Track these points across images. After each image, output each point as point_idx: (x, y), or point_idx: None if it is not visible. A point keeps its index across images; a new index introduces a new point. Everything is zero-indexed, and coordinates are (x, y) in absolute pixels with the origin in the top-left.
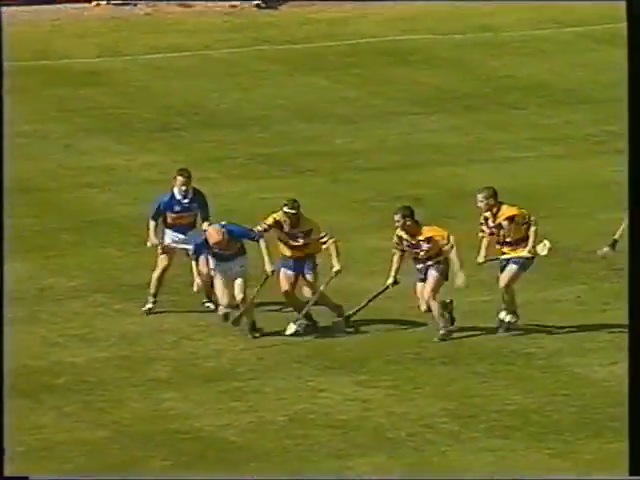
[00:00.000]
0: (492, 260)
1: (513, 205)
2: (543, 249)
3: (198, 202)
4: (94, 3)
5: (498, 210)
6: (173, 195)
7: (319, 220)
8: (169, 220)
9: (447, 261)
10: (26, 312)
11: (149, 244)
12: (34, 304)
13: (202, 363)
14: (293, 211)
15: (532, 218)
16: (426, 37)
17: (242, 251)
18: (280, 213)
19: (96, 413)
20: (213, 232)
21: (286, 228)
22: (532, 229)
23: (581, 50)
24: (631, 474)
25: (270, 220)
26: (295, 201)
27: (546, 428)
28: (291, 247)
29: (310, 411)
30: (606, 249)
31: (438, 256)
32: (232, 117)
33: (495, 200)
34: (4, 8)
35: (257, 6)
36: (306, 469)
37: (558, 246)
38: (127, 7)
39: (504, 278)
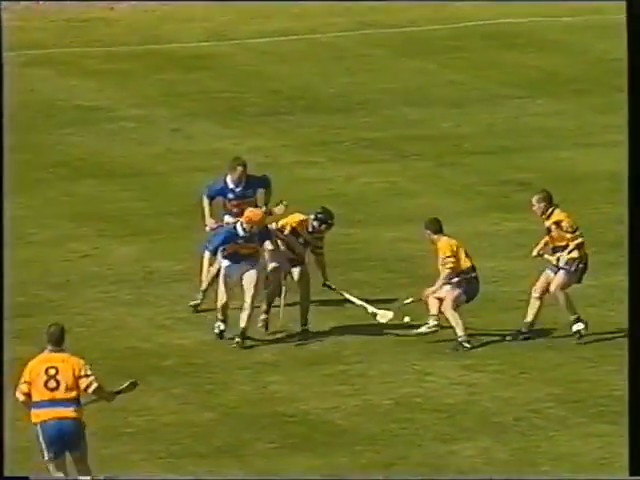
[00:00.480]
0: (541, 256)
1: (564, 212)
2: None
3: (253, 188)
4: None
5: (551, 213)
6: (226, 183)
7: (425, 203)
8: (228, 207)
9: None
10: (134, 295)
11: (208, 228)
12: (142, 286)
13: (307, 346)
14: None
15: (578, 232)
16: (533, 20)
17: (257, 255)
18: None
19: (203, 395)
20: (255, 212)
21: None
22: (575, 241)
23: None
24: (631, 474)
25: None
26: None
27: None
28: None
29: (416, 395)
30: None
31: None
32: (338, 101)
33: (548, 203)
34: None
35: None
36: (412, 453)
37: None
38: None
39: (552, 285)
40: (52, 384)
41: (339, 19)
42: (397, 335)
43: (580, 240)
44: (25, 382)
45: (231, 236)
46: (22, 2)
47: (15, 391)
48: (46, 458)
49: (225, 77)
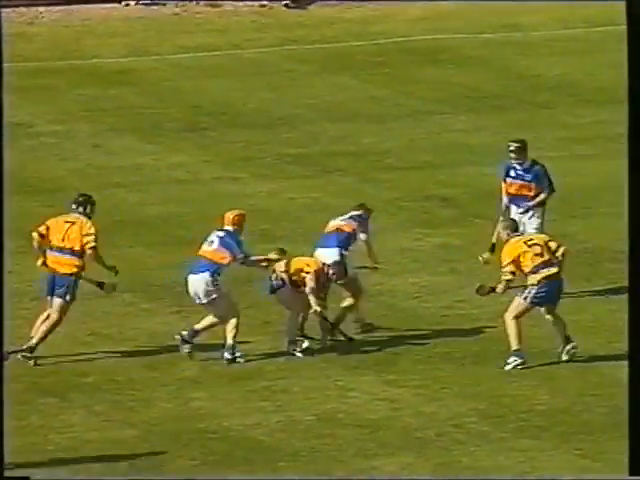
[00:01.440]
0: None
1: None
2: None
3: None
4: (123, 3)
5: None
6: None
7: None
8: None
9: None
10: None
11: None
12: None
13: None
14: None
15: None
16: (454, 36)
17: None
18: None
19: (125, 412)
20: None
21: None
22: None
23: (611, 50)
24: (631, 474)
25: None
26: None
27: (575, 428)
28: None
29: (338, 410)
30: (486, 255)
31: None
32: (261, 117)
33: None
34: (29, 9)
35: (286, 6)
36: (334, 469)
37: (587, 245)
38: (156, 7)
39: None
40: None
41: (262, 34)
42: (320, 351)
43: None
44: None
45: None
46: None
47: None
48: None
49: (147, 92)
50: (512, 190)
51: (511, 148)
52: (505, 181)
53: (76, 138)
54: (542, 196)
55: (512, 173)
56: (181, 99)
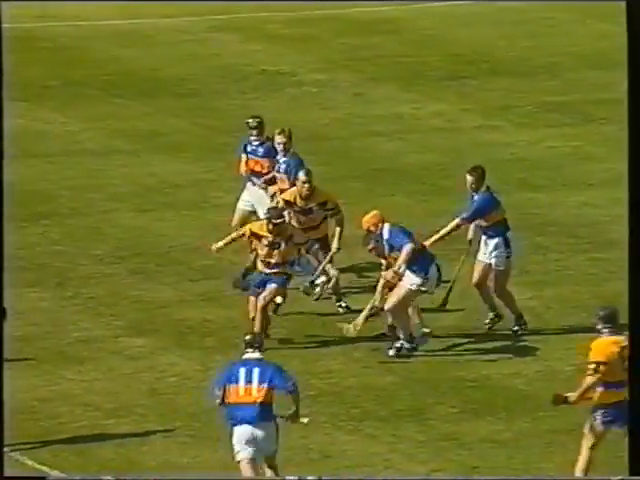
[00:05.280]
0: None
1: None
2: None
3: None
4: None
5: None
6: None
7: (610, 168)
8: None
9: None
10: None
11: None
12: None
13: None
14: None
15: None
16: None
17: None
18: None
19: (383, 359)
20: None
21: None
22: None
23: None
24: (631, 474)
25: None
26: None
27: None
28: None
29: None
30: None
31: None
32: (521, 65)
33: None
34: None
35: None
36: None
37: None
38: None
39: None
40: None
41: None
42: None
43: None
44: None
45: None
46: None
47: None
48: None
49: (407, 41)
50: (248, 167)
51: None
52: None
53: (338, 87)
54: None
55: (248, 148)
56: (441, 47)
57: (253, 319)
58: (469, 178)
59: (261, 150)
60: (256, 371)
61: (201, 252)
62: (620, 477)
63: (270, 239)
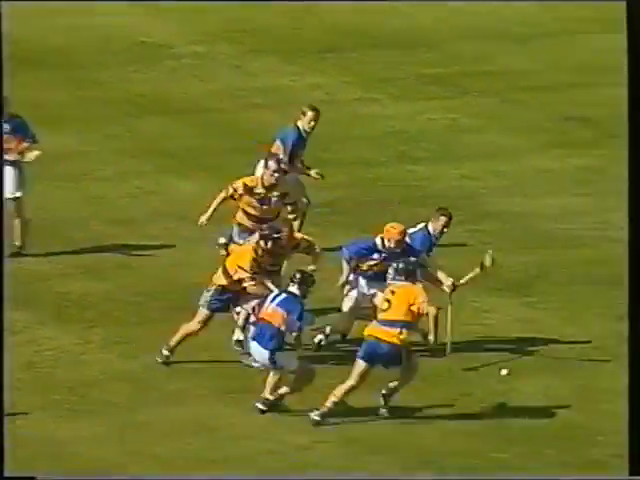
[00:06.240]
0: None
1: None
2: None
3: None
4: None
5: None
6: None
7: (488, 140)
8: None
9: None
10: (195, 231)
11: None
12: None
13: None
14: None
15: None
16: None
17: None
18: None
19: None
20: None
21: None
22: None
23: None
24: (631, 474)
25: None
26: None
27: None
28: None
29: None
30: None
31: None
32: (399, 37)
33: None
34: None
35: None
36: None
37: None
38: None
39: None
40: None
41: None
42: None
43: None
44: None
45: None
46: None
47: None
48: None
49: (286, 12)
50: None
51: None
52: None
53: (216, 59)
54: None
55: None
56: (321, 20)
57: None
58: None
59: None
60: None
61: (81, 224)
62: (620, 477)
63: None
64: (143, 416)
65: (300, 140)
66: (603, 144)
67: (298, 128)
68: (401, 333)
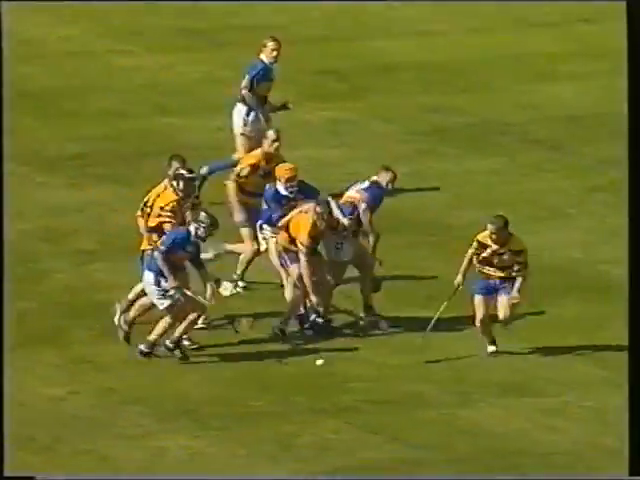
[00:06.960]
0: None
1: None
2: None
3: None
4: None
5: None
6: None
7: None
8: None
9: None
10: None
11: None
12: None
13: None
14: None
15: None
16: None
17: None
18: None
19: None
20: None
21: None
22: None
23: None
24: (631, 474)
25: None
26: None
27: None
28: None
29: None
30: None
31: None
32: None
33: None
34: None
35: None
36: None
37: (477, 119)
38: None
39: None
40: None
41: None
42: None
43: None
44: None
45: None
46: None
47: None
48: None
49: None
50: None
51: None
52: None
53: None
54: None
55: None
56: None
57: None
58: None
59: None
60: None
61: None
62: (620, 477)
63: None
64: None
65: (264, 72)
66: (355, 97)
67: (262, 61)
68: None
